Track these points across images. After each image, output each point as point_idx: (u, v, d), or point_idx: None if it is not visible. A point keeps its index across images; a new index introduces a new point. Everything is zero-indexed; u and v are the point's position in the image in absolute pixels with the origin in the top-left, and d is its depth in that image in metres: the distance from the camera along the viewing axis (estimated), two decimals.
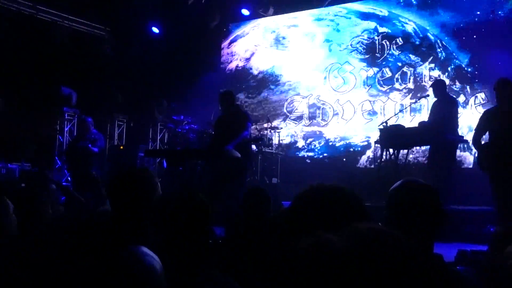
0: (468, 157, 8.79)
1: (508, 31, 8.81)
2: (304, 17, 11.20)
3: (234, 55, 12.11)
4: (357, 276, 0.69)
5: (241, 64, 12.00)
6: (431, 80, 9.02)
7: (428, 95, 8.01)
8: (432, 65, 9.61)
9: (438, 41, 9.59)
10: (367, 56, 10.35)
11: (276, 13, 11.18)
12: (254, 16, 11.49)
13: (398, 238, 0.74)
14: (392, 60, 10.07)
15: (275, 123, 10.63)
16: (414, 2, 9.93)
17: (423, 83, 9.56)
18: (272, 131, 10.11)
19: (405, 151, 7.70)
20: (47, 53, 10.85)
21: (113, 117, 12.00)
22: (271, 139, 9.99)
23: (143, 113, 11.86)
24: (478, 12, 9.19)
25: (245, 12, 11.34)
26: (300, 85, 11.09)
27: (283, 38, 11.48)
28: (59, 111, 10.86)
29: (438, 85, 7.47)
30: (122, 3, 11.59)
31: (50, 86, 10.72)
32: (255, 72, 11.76)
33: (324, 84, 10.77)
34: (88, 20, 12.09)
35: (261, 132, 9.84)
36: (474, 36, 9.18)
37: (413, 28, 9.90)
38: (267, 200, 3.37)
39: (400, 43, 9.99)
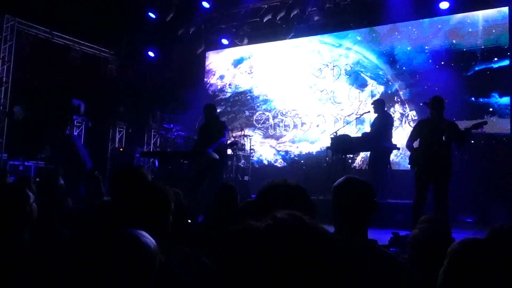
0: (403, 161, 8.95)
1: (432, 63, 9.05)
2: (277, 46, 11.16)
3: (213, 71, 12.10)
4: (272, 251, 0.67)
5: (221, 82, 12.00)
6: (373, 99, 9.16)
7: (369, 111, 8.13)
8: (374, 88, 9.76)
9: (379, 69, 9.76)
10: (323, 79, 10.44)
11: (249, 43, 11.20)
12: (231, 45, 11.48)
13: (308, 222, 0.73)
14: (342, 82, 10.18)
15: (247, 132, 10.63)
16: (359, 39, 10.08)
17: (367, 102, 9.69)
18: (245, 138, 10.10)
19: (351, 155, 7.79)
20: (61, 71, 10.67)
21: (115, 124, 11.85)
22: (244, 144, 9.98)
23: (140, 122, 11.74)
24: (409, 48, 9.40)
25: (225, 41, 11.35)
26: (267, 101, 11.12)
27: (256, 63, 11.49)
28: (69, 119, 10.67)
29: (378, 103, 7.57)
30: (125, 31, 11.50)
31: (63, 98, 10.52)
32: (234, 90, 11.76)
33: (285, 101, 10.83)
34: (96, 44, 11.92)
35: (236, 139, 9.82)
36: (404, 68, 9.40)
37: (361, 58, 10.04)
38: (235, 194, 3.35)
39: (349, 69, 10.12)
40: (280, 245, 0.67)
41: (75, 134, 8.59)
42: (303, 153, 10.41)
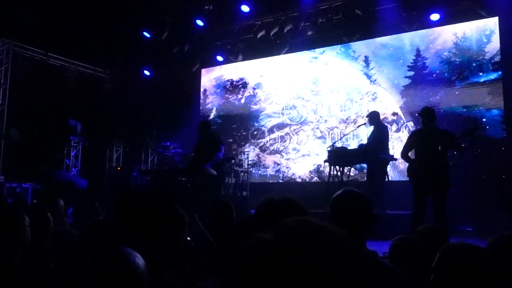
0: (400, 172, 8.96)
1: (424, 75, 9.14)
2: (272, 61, 11.29)
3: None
4: (286, 263, 0.63)
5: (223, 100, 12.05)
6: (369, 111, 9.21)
7: (365, 123, 8.12)
8: (370, 100, 9.80)
9: (374, 81, 9.82)
10: (319, 92, 10.50)
11: (244, 59, 11.28)
12: (226, 62, 11.57)
13: (325, 228, 0.69)
14: (338, 95, 10.23)
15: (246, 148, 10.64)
16: (352, 54, 10.18)
17: (363, 114, 9.73)
18: (242, 153, 10.11)
19: (348, 167, 7.78)
20: (57, 92, 10.69)
21: (112, 143, 11.86)
22: (242, 160, 9.98)
23: (137, 140, 11.75)
24: (401, 60, 9.50)
25: (220, 58, 11.43)
26: (264, 116, 11.17)
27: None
28: (66, 139, 10.67)
29: (372, 115, 7.60)
30: (120, 51, 11.57)
31: (60, 118, 10.54)
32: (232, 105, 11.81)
33: (282, 115, 10.88)
34: (91, 64, 11.99)
35: (233, 153, 9.83)
36: (396, 81, 9.52)
37: (355, 70, 10.11)
38: (230, 210, 3.31)
39: (344, 82, 10.18)
40: (293, 254, 0.64)
41: (56, 171, 8.69)
42: (301, 166, 10.40)
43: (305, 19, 9.84)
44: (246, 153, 10.27)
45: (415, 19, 9.06)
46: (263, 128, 11.10)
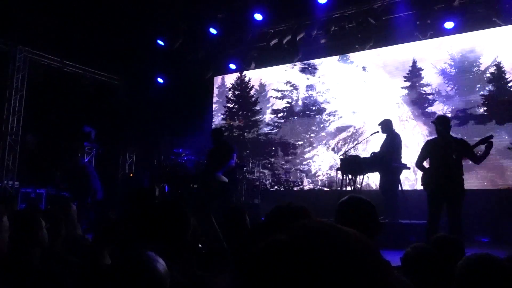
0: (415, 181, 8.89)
1: (440, 85, 9.09)
2: (285, 70, 11.32)
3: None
4: (300, 264, 0.61)
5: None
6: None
7: (378, 131, 8.05)
8: (385, 108, 9.74)
9: (388, 88, 9.80)
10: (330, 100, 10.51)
11: (257, 67, 11.34)
12: (239, 70, 11.64)
13: (341, 228, 0.68)
14: (352, 102, 10.21)
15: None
16: (367, 60, 10.18)
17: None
18: (254, 161, 10.12)
19: (361, 176, 7.72)
20: (72, 98, 10.85)
21: (125, 150, 11.96)
22: (253, 168, 9.99)
23: (149, 147, 11.84)
24: (411, 70, 9.47)
25: (232, 66, 11.50)
26: (272, 125, 11.18)
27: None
28: (80, 146, 10.78)
29: (385, 123, 7.54)
30: (135, 59, 11.71)
31: (74, 125, 10.67)
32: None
33: (290, 124, 10.88)
34: (106, 72, 12.16)
35: (244, 162, 9.84)
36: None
37: (370, 77, 10.11)
38: (243, 216, 3.30)
39: (357, 89, 10.17)
40: (309, 253, 0.63)
41: (89, 164, 8.78)
42: (314, 174, 10.36)
43: (318, 27, 9.85)
44: (256, 161, 10.25)
45: (429, 28, 9.00)
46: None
